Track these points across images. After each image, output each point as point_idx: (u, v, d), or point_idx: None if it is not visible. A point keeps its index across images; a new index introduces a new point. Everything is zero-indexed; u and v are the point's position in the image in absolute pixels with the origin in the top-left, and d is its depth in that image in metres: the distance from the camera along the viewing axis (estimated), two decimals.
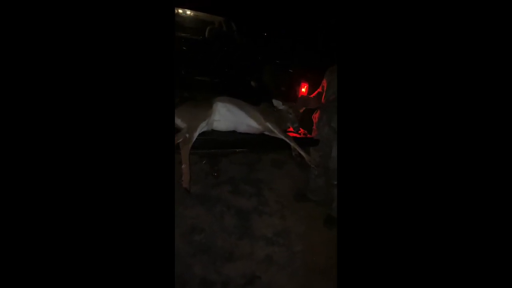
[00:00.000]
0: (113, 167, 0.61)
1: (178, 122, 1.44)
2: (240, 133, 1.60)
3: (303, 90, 2.18)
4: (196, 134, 1.38)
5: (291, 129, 1.74)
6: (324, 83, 1.87)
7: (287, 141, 1.57)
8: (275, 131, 1.56)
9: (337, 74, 1.73)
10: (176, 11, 2.66)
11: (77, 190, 0.58)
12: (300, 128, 1.74)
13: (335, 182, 1.86)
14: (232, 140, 1.57)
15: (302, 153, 1.54)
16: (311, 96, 1.99)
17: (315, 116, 1.96)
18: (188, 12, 2.84)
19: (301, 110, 1.85)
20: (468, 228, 0.57)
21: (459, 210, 0.57)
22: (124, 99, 0.62)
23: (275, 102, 1.76)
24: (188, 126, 1.39)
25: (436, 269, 0.58)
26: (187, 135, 1.36)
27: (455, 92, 0.58)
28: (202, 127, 1.42)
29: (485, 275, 0.55)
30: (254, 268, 1.54)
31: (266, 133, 1.63)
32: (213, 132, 1.54)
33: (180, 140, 1.36)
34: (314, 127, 1.96)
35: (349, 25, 0.69)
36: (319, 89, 1.95)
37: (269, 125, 1.57)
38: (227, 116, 1.53)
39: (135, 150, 0.63)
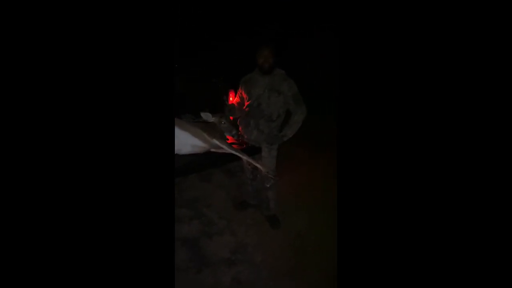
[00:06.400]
0: (112, 167, 0.62)
1: None
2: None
3: (231, 99, 2.14)
4: None
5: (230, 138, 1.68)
6: (242, 92, 1.90)
7: (238, 155, 1.51)
8: (224, 146, 1.47)
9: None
10: None
11: (75, 193, 0.59)
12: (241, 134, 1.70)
13: (268, 185, 1.95)
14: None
15: (258, 165, 1.51)
16: (235, 105, 1.99)
17: (241, 122, 1.98)
18: None
19: (231, 118, 1.82)
20: (464, 223, 0.57)
21: (458, 208, 0.58)
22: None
23: (204, 115, 1.65)
24: None
25: (436, 271, 0.59)
26: None
27: (458, 90, 0.58)
28: None
29: (486, 276, 0.55)
30: None
31: (213, 150, 1.51)
32: None
33: None
34: (240, 132, 1.97)
35: (350, 25, 0.67)
36: (237, 99, 1.97)
37: (216, 141, 1.46)
38: None
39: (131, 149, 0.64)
